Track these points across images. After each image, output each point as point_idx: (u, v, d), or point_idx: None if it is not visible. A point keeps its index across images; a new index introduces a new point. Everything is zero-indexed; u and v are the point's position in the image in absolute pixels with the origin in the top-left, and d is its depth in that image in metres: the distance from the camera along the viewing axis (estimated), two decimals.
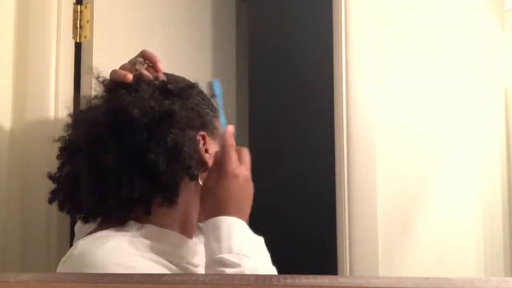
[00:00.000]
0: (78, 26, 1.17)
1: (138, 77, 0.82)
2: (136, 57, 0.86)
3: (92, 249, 0.71)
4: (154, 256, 0.74)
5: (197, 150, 0.80)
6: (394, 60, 1.25)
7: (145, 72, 0.83)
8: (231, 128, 0.81)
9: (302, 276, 0.46)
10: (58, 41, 1.14)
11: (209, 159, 0.81)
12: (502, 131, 1.25)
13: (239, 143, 0.82)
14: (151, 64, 0.84)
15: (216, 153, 0.81)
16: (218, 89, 0.83)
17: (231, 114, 1.70)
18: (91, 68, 1.00)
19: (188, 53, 1.48)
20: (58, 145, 0.87)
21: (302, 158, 2.40)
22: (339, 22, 1.24)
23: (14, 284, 0.45)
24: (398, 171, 1.22)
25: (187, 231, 0.83)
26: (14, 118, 1.11)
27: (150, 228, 0.78)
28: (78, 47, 1.17)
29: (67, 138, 0.85)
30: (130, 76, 0.80)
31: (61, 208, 0.83)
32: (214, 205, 0.76)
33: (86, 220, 0.83)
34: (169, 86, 0.81)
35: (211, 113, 0.87)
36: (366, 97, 1.23)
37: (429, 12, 1.25)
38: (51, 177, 0.84)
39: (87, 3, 1.17)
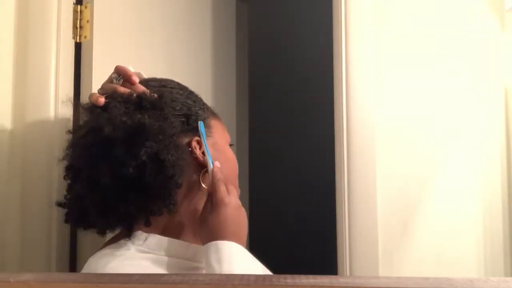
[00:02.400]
0: (78, 26, 1.17)
1: (111, 96, 0.83)
2: (112, 74, 0.88)
3: (96, 270, 0.76)
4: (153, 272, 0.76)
5: (181, 157, 0.80)
6: (394, 60, 1.25)
7: (121, 89, 0.84)
8: (218, 164, 0.85)
9: (302, 276, 0.46)
10: (58, 41, 1.13)
11: (208, 160, 0.83)
12: (502, 131, 1.25)
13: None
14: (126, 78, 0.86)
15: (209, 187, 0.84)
16: (202, 130, 0.86)
17: (231, 114, 1.70)
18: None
19: (188, 53, 1.47)
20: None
21: (302, 158, 2.40)
22: (339, 22, 1.24)
23: (14, 284, 0.46)
24: (398, 171, 1.22)
25: (195, 235, 0.84)
26: (14, 118, 1.11)
27: (155, 238, 0.80)
28: (78, 47, 1.17)
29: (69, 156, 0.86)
30: (102, 100, 0.82)
31: (76, 227, 0.87)
32: (211, 232, 0.78)
33: (102, 234, 0.85)
34: (143, 99, 0.82)
35: (204, 113, 0.89)
36: (366, 97, 1.22)
37: (429, 12, 1.25)
38: (59, 204, 0.86)
39: (87, 3, 1.17)
